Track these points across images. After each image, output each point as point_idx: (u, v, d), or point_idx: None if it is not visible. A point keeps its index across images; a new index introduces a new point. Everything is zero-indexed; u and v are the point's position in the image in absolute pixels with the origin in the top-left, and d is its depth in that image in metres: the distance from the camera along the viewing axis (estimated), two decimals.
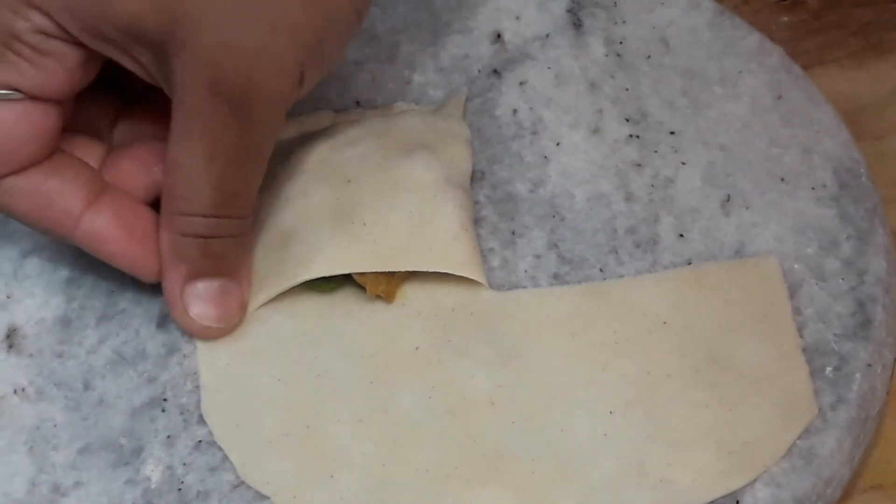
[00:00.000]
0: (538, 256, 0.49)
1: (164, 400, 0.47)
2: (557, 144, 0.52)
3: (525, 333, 0.47)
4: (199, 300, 0.47)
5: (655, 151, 0.52)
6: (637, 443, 0.45)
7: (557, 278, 0.49)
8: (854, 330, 0.47)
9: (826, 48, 0.59)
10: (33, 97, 0.44)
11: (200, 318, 0.47)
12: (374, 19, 0.56)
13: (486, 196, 0.51)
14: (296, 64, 0.43)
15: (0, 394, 0.47)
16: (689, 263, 0.49)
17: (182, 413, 0.47)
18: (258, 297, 0.48)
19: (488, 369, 0.47)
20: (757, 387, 0.46)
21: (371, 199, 0.49)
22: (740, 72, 0.54)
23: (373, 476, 0.45)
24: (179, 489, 0.45)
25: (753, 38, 0.55)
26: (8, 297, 0.49)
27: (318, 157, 0.50)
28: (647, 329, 0.47)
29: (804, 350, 0.47)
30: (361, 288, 0.48)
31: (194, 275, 0.46)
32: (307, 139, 0.51)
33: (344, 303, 0.48)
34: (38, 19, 0.43)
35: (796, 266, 0.49)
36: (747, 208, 0.50)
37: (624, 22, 0.55)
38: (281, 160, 0.51)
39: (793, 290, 0.48)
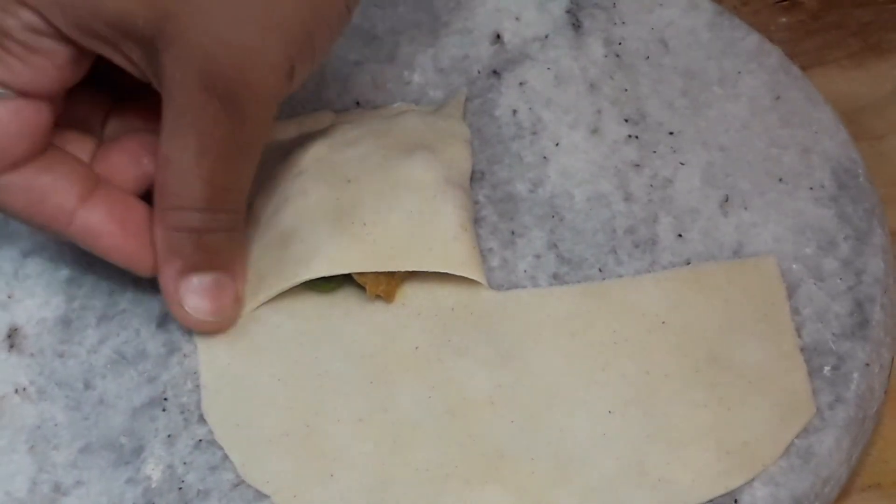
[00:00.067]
0: (538, 256, 0.50)
1: (165, 399, 0.47)
2: (557, 145, 0.52)
3: (525, 333, 0.47)
4: (194, 294, 0.47)
5: (654, 152, 0.52)
6: (636, 442, 0.45)
7: (557, 278, 0.49)
8: (852, 330, 0.47)
9: (825, 49, 0.59)
10: (24, 94, 0.44)
11: (196, 312, 0.47)
12: (374, 19, 0.56)
13: (486, 196, 0.51)
14: (285, 58, 0.43)
15: (1, 393, 0.47)
16: (688, 263, 0.49)
17: (182, 412, 0.47)
18: (258, 297, 0.48)
19: (488, 369, 0.47)
20: (756, 386, 0.46)
21: (371, 198, 0.49)
22: (739, 72, 0.54)
23: (373, 476, 0.45)
24: (180, 488, 0.45)
25: (752, 39, 0.55)
26: (9, 297, 0.49)
27: (318, 157, 0.50)
28: (647, 329, 0.47)
29: (802, 350, 0.47)
30: (361, 288, 0.48)
31: (188, 269, 0.47)
32: (307, 139, 0.51)
33: (344, 303, 0.49)
34: (28, 16, 0.43)
35: (795, 266, 0.49)
36: (746, 208, 0.50)
37: (623, 23, 0.55)
38: (281, 160, 0.51)
39: (791, 290, 0.48)
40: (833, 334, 0.47)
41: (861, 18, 0.60)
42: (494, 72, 0.54)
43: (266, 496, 0.45)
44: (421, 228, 0.48)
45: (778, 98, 0.53)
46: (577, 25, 0.55)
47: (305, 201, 0.49)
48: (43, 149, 0.46)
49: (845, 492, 0.47)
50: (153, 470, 0.46)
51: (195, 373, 0.47)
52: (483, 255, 0.49)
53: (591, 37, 0.55)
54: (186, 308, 0.47)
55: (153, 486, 0.45)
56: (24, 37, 0.43)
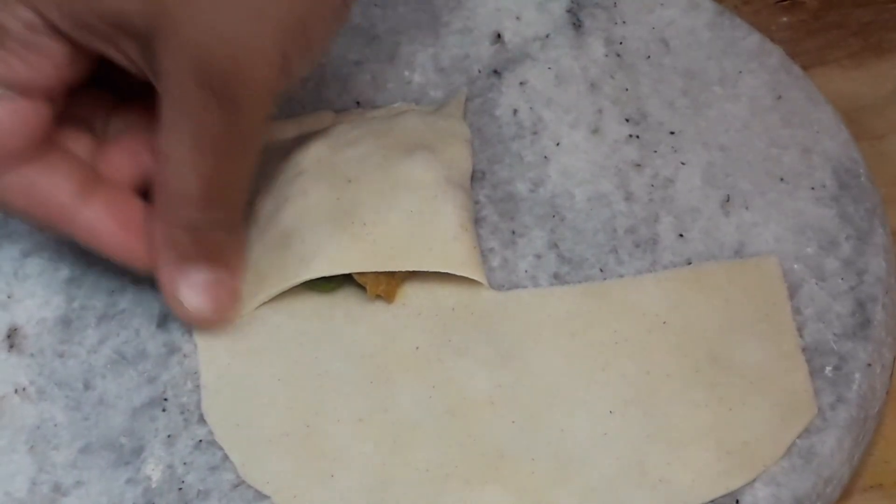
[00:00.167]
0: (538, 256, 0.49)
1: (165, 399, 0.47)
2: (557, 144, 0.52)
3: (525, 333, 0.47)
4: (193, 290, 0.47)
5: (655, 151, 0.52)
6: (637, 442, 0.45)
7: (557, 278, 0.49)
8: (854, 330, 0.47)
9: (826, 48, 0.59)
10: (23, 93, 0.44)
11: (194, 308, 0.47)
12: (374, 19, 0.56)
13: (487, 196, 0.51)
14: (279, 51, 0.43)
15: (1, 393, 0.47)
16: (689, 263, 0.49)
17: (182, 412, 0.47)
18: (258, 297, 0.48)
19: (488, 369, 0.47)
20: (757, 386, 0.46)
21: (371, 198, 0.49)
22: (740, 72, 0.54)
23: (373, 476, 0.45)
24: (180, 488, 0.45)
25: (753, 39, 0.55)
26: (8, 297, 0.49)
27: (318, 157, 0.50)
28: (647, 329, 0.47)
29: (804, 350, 0.47)
30: (361, 288, 0.48)
31: (187, 265, 0.47)
32: (307, 139, 0.51)
33: (344, 303, 0.48)
34: (25, 14, 0.43)
35: (796, 266, 0.49)
36: (747, 208, 0.50)
37: (624, 22, 0.55)
38: (281, 160, 0.51)
39: (792, 290, 0.48)
40: (834, 334, 0.47)
41: (862, 18, 0.60)
42: (495, 71, 0.54)
43: (266, 496, 0.45)
44: (421, 228, 0.48)
45: (779, 98, 0.53)
46: (577, 25, 0.55)
47: (306, 201, 0.49)
48: (43, 147, 0.46)
49: (847, 492, 0.47)
50: (153, 470, 0.46)
51: (195, 373, 0.47)
52: (483, 254, 0.49)
53: (591, 36, 0.55)
54: (185, 304, 0.47)
55: (153, 486, 0.45)
56: (21, 34, 0.43)
